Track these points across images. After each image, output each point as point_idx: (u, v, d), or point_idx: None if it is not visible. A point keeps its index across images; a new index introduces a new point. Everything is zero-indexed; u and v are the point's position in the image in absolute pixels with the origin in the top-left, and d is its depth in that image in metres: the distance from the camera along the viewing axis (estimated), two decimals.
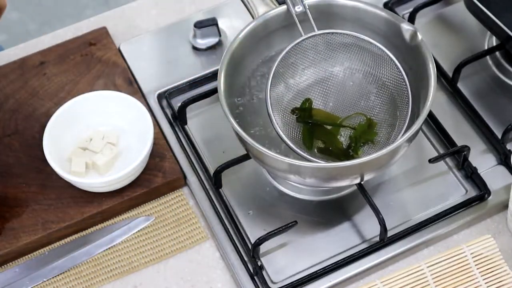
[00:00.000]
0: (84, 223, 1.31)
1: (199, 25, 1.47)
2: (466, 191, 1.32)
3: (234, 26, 1.50)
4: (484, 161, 1.34)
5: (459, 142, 1.34)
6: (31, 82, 1.44)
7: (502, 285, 1.23)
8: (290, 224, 1.25)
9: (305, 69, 1.31)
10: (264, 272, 1.26)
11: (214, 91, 1.37)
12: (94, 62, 1.46)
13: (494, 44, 1.45)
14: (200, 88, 1.44)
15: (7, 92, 1.43)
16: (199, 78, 1.44)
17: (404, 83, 1.26)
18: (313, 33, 1.28)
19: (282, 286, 1.24)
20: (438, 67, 1.42)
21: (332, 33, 1.28)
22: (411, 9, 1.48)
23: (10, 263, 1.30)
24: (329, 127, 1.29)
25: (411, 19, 1.46)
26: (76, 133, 1.36)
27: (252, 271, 1.26)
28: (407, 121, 1.24)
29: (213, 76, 1.43)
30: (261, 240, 1.24)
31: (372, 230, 1.28)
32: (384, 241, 1.27)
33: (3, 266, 1.29)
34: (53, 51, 1.48)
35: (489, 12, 1.36)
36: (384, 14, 1.30)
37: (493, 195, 1.31)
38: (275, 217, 1.30)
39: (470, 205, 1.30)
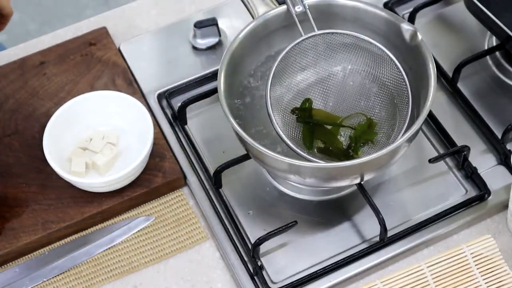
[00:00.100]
0: (84, 223, 1.31)
1: (199, 25, 1.47)
2: (466, 191, 1.32)
3: (234, 26, 1.50)
4: (484, 161, 1.34)
5: (459, 142, 1.34)
6: (31, 82, 1.44)
7: (502, 285, 1.23)
8: (290, 224, 1.25)
9: (305, 69, 1.31)
10: (264, 272, 1.26)
11: (214, 91, 1.37)
12: (94, 62, 1.46)
13: (494, 44, 1.45)
14: (200, 88, 1.44)
15: (7, 92, 1.43)
16: (199, 78, 1.44)
17: (404, 83, 1.26)
18: (313, 33, 1.28)
19: (282, 286, 1.24)
20: (438, 67, 1.42)
21: (332, 33, 1.28)
22: (411, 9, 1.48)
23: (10, 263, 1.30)
24: (329, 127, 1.29)
25: (411, 19, 1.46)
26: (76, 133, 1.36)
27: (252, 271, 1.26)
28: (407, 121, 1.24)
29: (213, 76, 1.43)
30: (261, 240, 1.24)
31: (372, 230, 1.28)
32: (384, 241, 1.27)
33: (3, 266, 1.29)
34: (53, 51, 1.48)
35: (489, 12, 1.36)
36: (384, 14, 1.30)
37: (493, 195, 1.31)
38: (275, 217, 1.30)
39: (470, 205, 1.30)
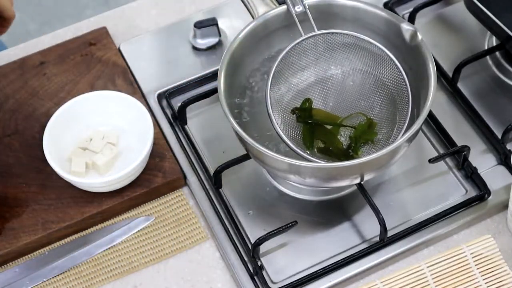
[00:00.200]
0: (84, 223, 1.31)
1: (199, 25, 1.47)
2: (466, 191, 1.32)
3: (234, 26, 1.49)
4: (484, 161, 1.34)
5: (459, 142, 1.34)
6: (31, 82, 1.44)
7: (502, 285, 1.23)
8: (290, 224, 1.25)
9: (305, 69, 1.31)
10: (264, 272, 1.26)
11: (214, 91, 1.37)
12: (94, 62, 1.46)
13: (494, 44, 1.45)
14: (200, 88, 1.44)
15: (7, 92, 1.43)
16: (199, 78, 1.44)
17: (404, 83, 1.26)
18: (313, 33, 1.28)
19: (282, 286, 1.24)
20: (438, 67, 1.42)
21: (332, 33, 1.28)
22: (411, 9, 1.48)
23: (10, 263, 1.30)
24: (329, 127, 1.29)
25: (411, 19, 1.46)
26: (76, 133, 1.36)
27: (252, 271, 1.26)
28: (407, 121, 1.24)
29: (213, 76, 1.43)
30: (261, 240, 1.24)
31: (372, 230, 1.28)
32: (384, 241, 1.27)
33: (3, 266, 1.29)
34: (53, 51, 1.48)
35: (489, 12, 1.36)
36: (384, 14, 1.30)
37: (493, 195, 1.31)
38: (275, 217, 1.30)
39: (470, 205, 1.30)
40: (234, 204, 1.32)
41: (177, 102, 1.40)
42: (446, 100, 1.41)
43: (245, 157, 1.30)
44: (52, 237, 1.30)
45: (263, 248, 1.26)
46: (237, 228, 1.29)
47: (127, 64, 1.47)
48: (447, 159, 1.35)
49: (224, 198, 1.32)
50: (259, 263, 1.25)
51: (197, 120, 1.41)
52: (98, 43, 1.48)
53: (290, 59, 1.28)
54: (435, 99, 1.23)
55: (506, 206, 1.30)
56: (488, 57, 1.44)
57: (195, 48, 1.48)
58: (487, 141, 1.36)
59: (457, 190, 1.32)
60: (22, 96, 1.43)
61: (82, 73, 1.45)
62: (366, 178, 1.24)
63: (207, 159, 1.36)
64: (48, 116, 1.35)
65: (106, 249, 1.30)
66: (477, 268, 1.24)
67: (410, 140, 1.21)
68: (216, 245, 1.30)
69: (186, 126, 1.40)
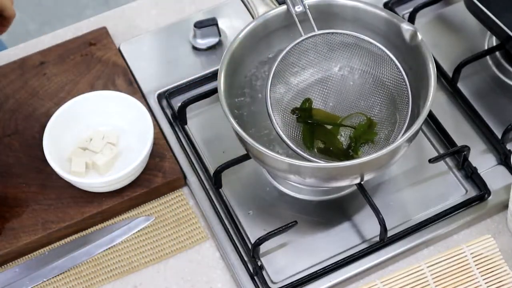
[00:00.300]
0: (84, 223, 1.31)
1: (199, 25, 1.47)
2: (466, 191, 1.32)
3: (234, 26, 1.49)
4: (484, 161, 1.34)
5: (459, 142, 1.34)
6: (31, 82, 1.44)
7: (502, 285, 1.23)
8: (290, 224, 1.25)
9: (305, 69, 1.31)
10: (264, 272, 1.26)
11: (214, 91, 1.37)
12: (94, 62, 1.46)
13: (494, 44, 1.45)
14: (200, 88, 1.44)
15: (7, 92, 1.43)
16: (199, 78, 1.44)
17: (404, 83, 1.26)
18: (313, 33, 1.28)
19: (282, 286, 1.24)
20: (438, 67, 1.42)
21: (332, 33, 1.28)
22: (411, 9, 1.48)
23: (10, 263, 1.30)
24: (329, 127, 1.29)
25: (411, 19, 1.46)
26: (76, 133, 1.36)
27: (252, 271, 1.26)
28: (407, 121, 1.24)
29: (213, 76, 1.43)
30: (261, 240, 1.24)
31: (372, 230, 1.28)
32: (384, 241, 1.27)
33: (3, 266, 1.29)
34: (53, 51, 1.48)
35: (489, 12, 1.36)
36: (384, 14, 1.30)
37: (493, 195, 1.31)
38: (275, 217, 1.30)
39: (470, 205, 1.30)
40: (234, 204, 1.32)
41: (177, 102, 1.40)
42: (446, 100, 1.41)
43: (245, 157, 1.30)
44: (52, 237, 1.30)
45: (263, 248, 1.26)
46: (237, 228, 1.29)
47: (127, 64, 1.47)
48: (447, 159, 1.35)
49: (224, 198, 1.32)
50: (259, 263, 1.25)
51: (197, 120, 1.41)
52: (98, 43, 1.48)
53: (290, 59, 1.28)
54: (435, 99, 1.23)
55: (506, 206, 1.30)
56: (488, 57, 1.44)
57: (195, 48, 1.48)
58: (487, 141, 1.36)
59: (457, 190, 1.32)
60: (22, 96, 1.43)
61: (82, 73, 1.45)
62: (366, 178, 1.24)
63: (207, 159, 1.36)
64: (48, 116, 1.35)
65: (106, 249, 1.30)
66: (477, 268, 1.24)
67: (410, 140, 1.21)
68: (216, 245, 1.30)
69: (186, 126, 1.40)
